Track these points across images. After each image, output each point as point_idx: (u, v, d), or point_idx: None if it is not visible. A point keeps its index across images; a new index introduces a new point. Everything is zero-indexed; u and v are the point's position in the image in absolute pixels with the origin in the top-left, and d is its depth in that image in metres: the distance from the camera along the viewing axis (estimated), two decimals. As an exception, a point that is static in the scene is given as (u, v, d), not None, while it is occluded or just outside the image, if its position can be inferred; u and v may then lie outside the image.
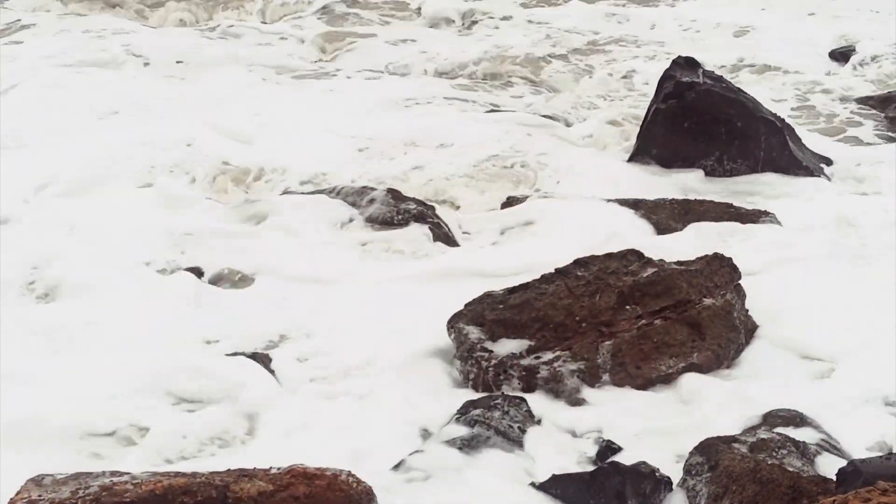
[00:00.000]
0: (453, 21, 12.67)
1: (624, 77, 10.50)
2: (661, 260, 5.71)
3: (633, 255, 5.65)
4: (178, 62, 10.90)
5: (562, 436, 4.91)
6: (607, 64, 10.94)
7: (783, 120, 8.22)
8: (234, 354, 5.59)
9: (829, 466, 4.34)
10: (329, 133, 8.84)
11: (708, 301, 5.41)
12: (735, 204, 7.14)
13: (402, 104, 9.67)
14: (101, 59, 10.80)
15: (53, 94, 9.68)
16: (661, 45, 11.52)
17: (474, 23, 12.58)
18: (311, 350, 5.84)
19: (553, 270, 5.64)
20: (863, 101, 9.62)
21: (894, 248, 6.74)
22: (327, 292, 6.38)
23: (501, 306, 5.47)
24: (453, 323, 5.47)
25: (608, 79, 10.40)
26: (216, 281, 6.55)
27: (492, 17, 12.72)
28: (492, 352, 5.30)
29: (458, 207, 7.74)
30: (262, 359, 5.56)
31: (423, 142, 8.63)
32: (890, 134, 8.98)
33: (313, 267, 6.61)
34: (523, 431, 4.80)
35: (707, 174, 7.85)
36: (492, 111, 9.42)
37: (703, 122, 7.91)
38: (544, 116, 9.27)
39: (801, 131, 8.46)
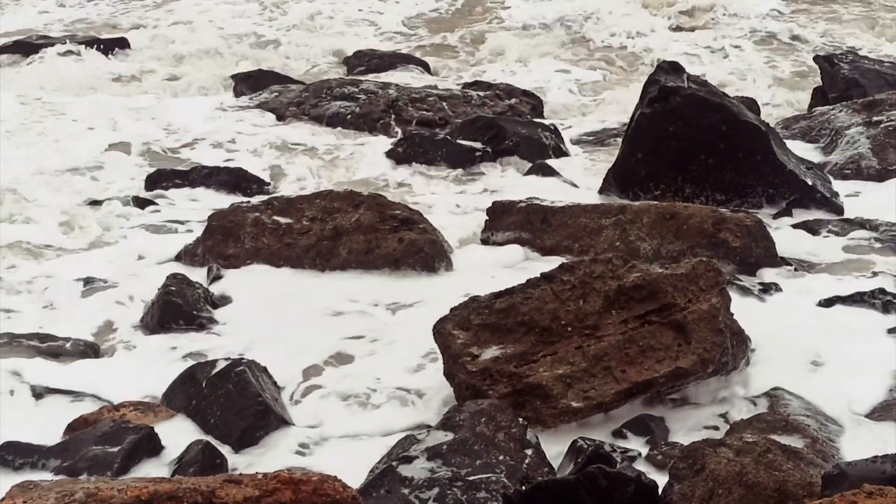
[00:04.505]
0: None
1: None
2: (647, 264, 5.72)
3: (619, 260, 5.65)
4: None
5: (547, 440, 4.92)
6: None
7: (767, 124, 8.23)
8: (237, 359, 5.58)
9: (814, 470, 4.35)
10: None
11: (693, 305, 5.41)
12: (721, 209, 7.17)
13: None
14: None
15: None
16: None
17: None
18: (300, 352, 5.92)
19: (539, 275, 5.64)
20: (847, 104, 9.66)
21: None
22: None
23: (487, 311, 5.47)
24: (439, 328, 5.47)
25: None
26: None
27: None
28: (478, 356, 5.30)
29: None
30: (256, 366, 5.55)
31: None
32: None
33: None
34: (509, 437, 4.80)
35: (693, 177, 7.86)
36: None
37: (688, 127, 7.91)
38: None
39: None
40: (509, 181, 8.66)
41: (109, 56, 13.11)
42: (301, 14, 14.81)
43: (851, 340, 5.79)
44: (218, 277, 6.82)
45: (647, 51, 13.39)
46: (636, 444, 4.99)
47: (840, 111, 9.43)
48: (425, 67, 12.93)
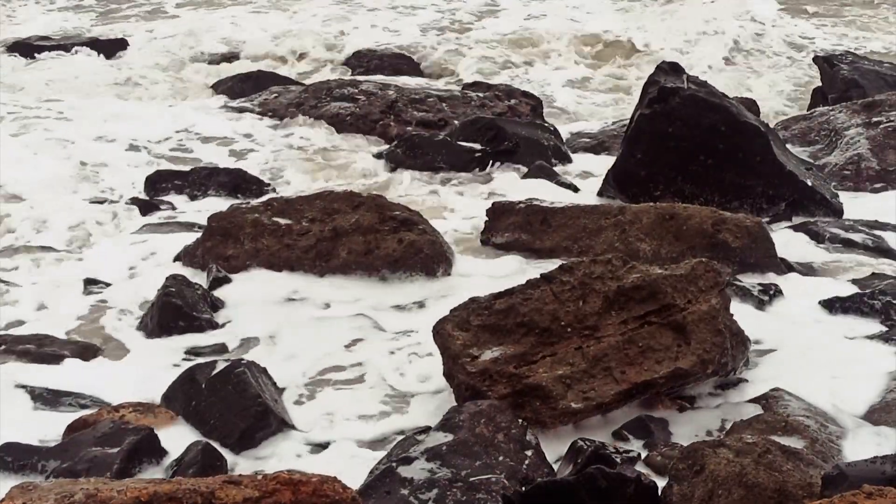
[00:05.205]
0: None
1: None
2: (646, 265, 5.72)
3: (619, 260, 5.65)
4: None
5: (547, 441, 4.92)
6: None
7: (767, 125, 8.23)
8: (237, 360, 5.58)
9: (814, 470, 4.34)
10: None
11: (693, 306, 5.41)
12: (720, 210, 7.16)
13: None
14: None
15: None
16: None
17: None
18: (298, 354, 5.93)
19: (538, 276, 5.65)
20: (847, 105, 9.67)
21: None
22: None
23: (487, 312, 5.46)
24: (438, 328, 5.47)
25: None
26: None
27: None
28: (477, 357, 5.29)
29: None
30: (256, 367, 5.55)
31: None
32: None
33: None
34: (508, 437, 4.79)
35: (692, 178, 7.86)
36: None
37: (688, 128, 7.91)
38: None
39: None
40: (509, 182, 8.67)
41: (109, 58, 13.13)
42: (303, 16, 14.86)
43: (851, 341, 5.81)
44: (218, 278, 6.81)
45: (647, 50, 13.41)
46: (636, 446, 4.99)
47: (839, 112, 9.44)
48: (424, 68, 12.96)
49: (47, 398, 5.60)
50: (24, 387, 5.67)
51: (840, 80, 10.63)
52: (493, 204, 7.53)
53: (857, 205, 7.99)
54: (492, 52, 13.59)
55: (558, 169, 8.89)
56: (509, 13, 15.10)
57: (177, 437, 5.09)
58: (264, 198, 7.93)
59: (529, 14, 14.99)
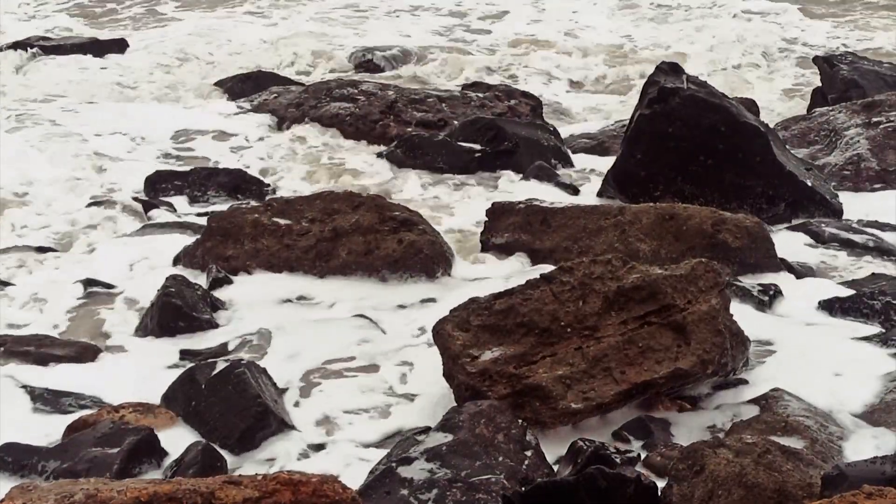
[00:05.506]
0: None
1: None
2: (646, 265, 5.71)
3: (618, 261, 5.65)
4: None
5: (546, 441, 4.92)
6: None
7: (767, 125, 8.22)
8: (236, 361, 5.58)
9: (814, 470, 4.35)
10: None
11: (692, 306, 5.41)
12: (720, 210, 7.16)
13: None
14: None
15: None
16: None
17: None
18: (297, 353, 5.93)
19: (538, 276, 5.64)
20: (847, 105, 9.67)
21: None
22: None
23: (486, 312, 5.46)
24: (438, 329, 5.47)
25: None
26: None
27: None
28: (477, 358, 5.29)
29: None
30: (256, 367, 5.54)
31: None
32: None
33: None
34: (508, 438, 4.80)
35: (692, 179, 7.86)
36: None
37: (687, 128, 7.90)
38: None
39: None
40: (508, 182, 8.67)
41: (109, 58, 13.13)
42: (304, 18, 14.88)
43: (851, 342, 5.81)
44: (217, 279, 6.82)
45: (647, 50, 13.42)
46: (636, 446, 4.99)
47: (839, 112, 9.44)
48: (426, 70, 12.97)
49: (47, 398, 5.60)
50: (24, 387, 5.67)
51: (840, 80, 10.63)
52: (492, 204, 7.52)
53: (857, 205, 7.98)
54: (494, 54, 13.59)
55: (558, 169, 8.88)
56: (513, 16, 15.11)
57: (177, 438, 5.09)
58: (265, 198, 7.94)
59: (532, 18, 15.01)
